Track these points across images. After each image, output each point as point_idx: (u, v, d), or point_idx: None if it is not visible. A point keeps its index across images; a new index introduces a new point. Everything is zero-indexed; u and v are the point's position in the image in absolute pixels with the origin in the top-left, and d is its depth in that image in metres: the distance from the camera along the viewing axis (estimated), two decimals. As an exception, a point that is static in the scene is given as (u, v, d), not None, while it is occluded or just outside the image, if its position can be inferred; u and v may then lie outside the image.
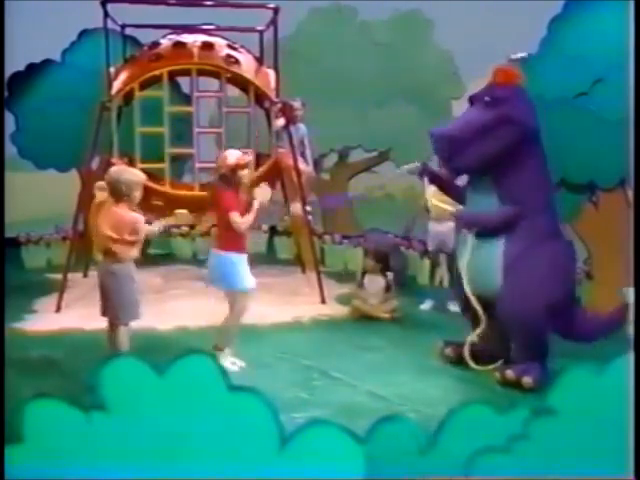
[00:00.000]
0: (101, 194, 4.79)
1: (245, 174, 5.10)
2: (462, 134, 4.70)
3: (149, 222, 4.91)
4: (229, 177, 5.03)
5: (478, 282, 4.86)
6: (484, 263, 4.82)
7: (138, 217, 4.66)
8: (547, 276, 4.73)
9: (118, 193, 4.61)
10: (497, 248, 4.80)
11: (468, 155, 4.70)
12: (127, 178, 4.65)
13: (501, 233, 4.80)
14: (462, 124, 4.82)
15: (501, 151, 4.72)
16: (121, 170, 4.87)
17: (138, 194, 4.70)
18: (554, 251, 4.85)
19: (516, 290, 4.67)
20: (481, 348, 5.08)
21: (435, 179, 5.28)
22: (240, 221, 4.96)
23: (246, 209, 5.07)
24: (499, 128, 4.69)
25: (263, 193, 5.21)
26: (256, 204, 5.07)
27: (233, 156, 5.09)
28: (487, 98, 4.78)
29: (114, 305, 4.70)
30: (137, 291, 4.75)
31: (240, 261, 5.07)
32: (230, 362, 5.08)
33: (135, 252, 4.70)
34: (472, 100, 4.97)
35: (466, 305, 5.08)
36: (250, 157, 5.30)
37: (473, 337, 5.06)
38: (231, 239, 5.07)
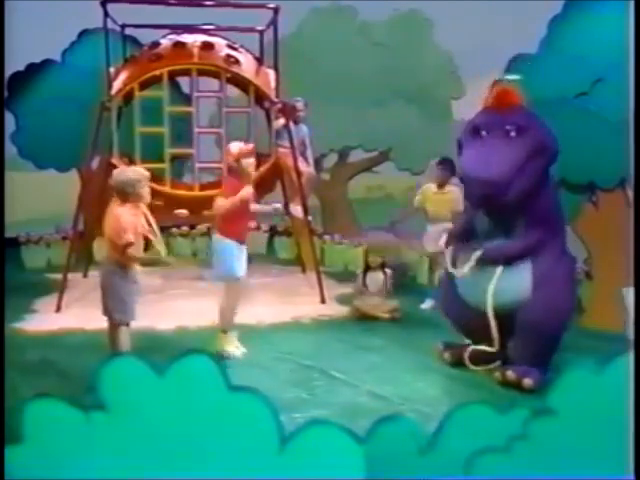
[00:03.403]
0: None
1: (250, 162, 5.29)
2: (507, 176, 4.60)
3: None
4: (235, 168, 5.24)
5: (497, 298, 4.82)
6: (509, 282, 4.79)
7: (127, 225, 4.58)
8: (568, 288, 4.92)
9: (124, 194, 4.64)
10: (524, 268, 4.80)
11: (515, 192, 4.65)
12: (131, 177, 4.68)
13: (530, 256, 4.81)
14: (502, 163, 4.62)
15: (538, 179, 4.73)
16: (124, 170, 4.91)
17: (145, 190, 4.72)
18: (569, 265, 5.00)
19: (544, 303, 4.71)
20: (479, 351, 5.09)
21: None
22: (218, 204, 5.13)
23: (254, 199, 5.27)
24: (535, 158, 4.67)
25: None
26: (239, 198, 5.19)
27: (236, 146, 5.32)
28: (509, 127, 4.68)
29: (108, 304, 4.71)
30: (133, 292, 4.74)
31: (230, 247, 5.20)
32: (234, 346, 5.27)
33: (125, 258, 4.63)
34: (478, 129, 4.82)
35: (465, 324, 5.12)
36: (252, 145, 5.49)
37: (477, 348, 5.08)
38: (225, 224, 5.26)
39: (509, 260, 4.81)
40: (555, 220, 4.93)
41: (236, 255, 5.24)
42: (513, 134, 4.67)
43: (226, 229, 5.26)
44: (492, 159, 4.66)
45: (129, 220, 4.60)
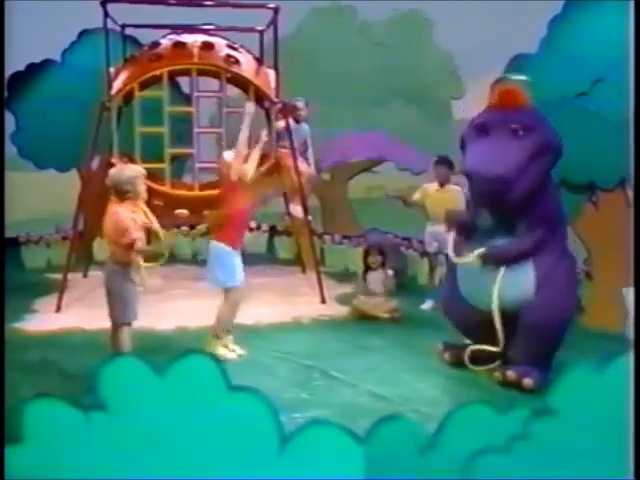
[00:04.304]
0: None
1: (245, 169, 5.31)
2: (513, 173, 4.60)
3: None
4: (231, 175, 5.26)
5: (500, 301, 4.82)
6: (511, 283, 4.78)
7: (128, 223, 4.58)
8: (570, 288, 4.93)
9: (123, 192, 4.64)
10: (527, 268, 4.80)
11: (519, 190, 4.65)
12: (129, 175, 4.68)
13: (531, 256, 4.80)
14: (508, 160, 4.62)
15: (542, 178, 4.74)
16: (121, 169, 4.89)
17: (142, 188, 4.73)
18: (570, 265, 5.01)
19: (547, 303, 4.71)
20: (479, 351, 5.09)
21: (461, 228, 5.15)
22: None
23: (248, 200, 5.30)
24: (540, 157, 4.68)
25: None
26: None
27: (230, 155, 5.34)
28: (516, 126, 4.68)
29: (112, 304, 4.72)
30: (135, 292, 4.75)
31: (228, 255, 5.22)
32: (224, 350, 5.28)
33: (129, 256, 4.63)
34: (484, 127, 4.82)
35: (466, 324, 5.13)
36: (246, 151, 5.50)
37: (477, 348, 5.08)
38: (223, 231, 5.30)
39: (512, 260, 4.80)
40: (556, 220, 4.94)
41: (233, 263, 5.28)
42: (521, 133, 4.68)
43: (224, 235, 5.27)
44: (499, 156, 4.66)
45: (129, 217, 4.60)
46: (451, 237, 5.11)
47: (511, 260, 4.81)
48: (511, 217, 4.83)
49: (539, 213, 4.80)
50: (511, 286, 4.78)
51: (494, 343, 4.94)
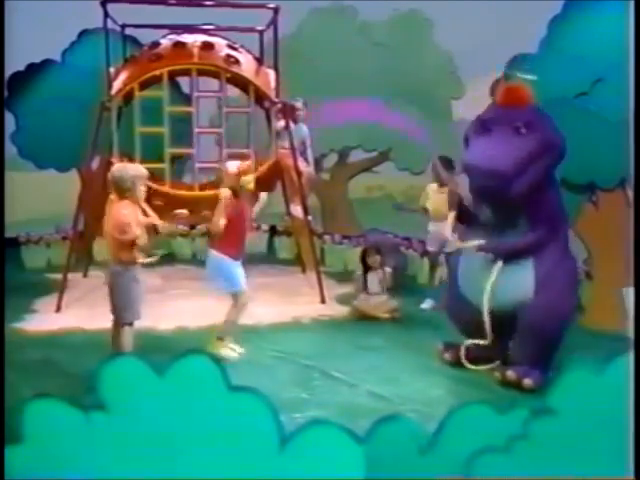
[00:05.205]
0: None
1: (249, 179, 5.33)
2: (515, 169, 4.59)
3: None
4: (235, 186, 5.29)
5: (498, 298, 4.83)
6: (511, 281, 4.79)
7: (130, 219, 4.59)
8: (569, 290, 4.94)
9: (122, 190, 4.62)
10: (527, 268, 4.81)
11: (519, 187, 4.63)
12: (131, 174, 4.67)
13: (533, 254, 4.81)
14: (508, 156, 4.62)
15: (543, 177, 4.73)
16: (123, 167, 4.89)
17: (143, 188, 4.72)
18: (572, 266, 5.03)
19: (546, 304, 4.72)
20: (479, 350, 5.09)
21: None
22: (217, 223, 5.19)
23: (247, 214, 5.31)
24: (543, 155, 4.67)
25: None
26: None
27: (234, 165, 5.35)
28: (518, 124, 4.67)
29: (115, 304, 4.72)
30: (139, 292, 4.76)
31: (226, 264, 5.28)
32: (228, 350, 5.30)
33: (132, 254, 4.65)
34: (486, 124, 4.83)
35: (467, 323, 5.13)
36: (249, 162, 5.50)
37: (471, 343, 5.09)
38: (228, 243, 5.28)
39: (510, 255, 4.82)
40: (558, 220, 4.93)
41: (233, 271, 5.29)
42: (523, 131, 4.67)
43: (222, 245, 5.28)
44: (498, 152, 4.65)
45: (130, 214, 4.61)
46: (451, 217, 5.12)
47: (510, 254, 4.82)
48: (512, 214, 4.83)
49: (541, 212, 4.80)
50: (510, 286, 4.78)
51: (495, 343, 4.95)
